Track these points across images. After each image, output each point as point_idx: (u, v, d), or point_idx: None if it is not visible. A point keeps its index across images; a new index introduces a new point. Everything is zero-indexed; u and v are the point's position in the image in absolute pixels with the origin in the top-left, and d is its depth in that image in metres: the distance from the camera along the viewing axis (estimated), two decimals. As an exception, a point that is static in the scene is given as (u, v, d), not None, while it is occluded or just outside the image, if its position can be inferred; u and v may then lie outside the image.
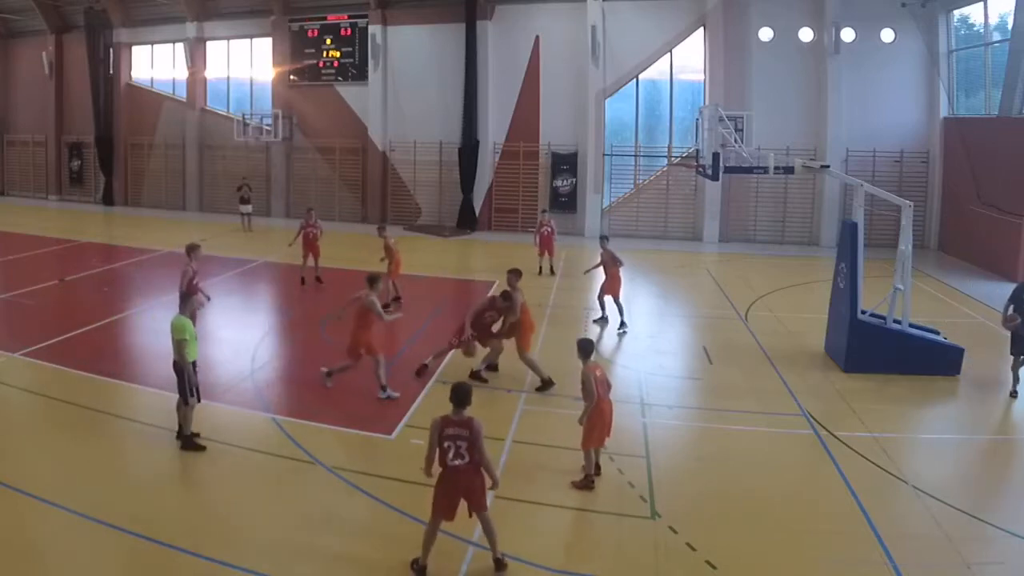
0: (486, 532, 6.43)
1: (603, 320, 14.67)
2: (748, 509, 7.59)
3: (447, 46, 26.52)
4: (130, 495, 7.57)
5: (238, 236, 24.75)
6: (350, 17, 27.78)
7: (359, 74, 27.91)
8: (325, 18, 28.21)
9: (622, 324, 14.15)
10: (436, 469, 6.39)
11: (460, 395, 6.38)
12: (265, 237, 24.63)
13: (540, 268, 19.11)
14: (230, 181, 28.99)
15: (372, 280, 10.63)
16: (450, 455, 6.24)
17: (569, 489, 7.85)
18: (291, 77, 28.86)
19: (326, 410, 9.91)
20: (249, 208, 25.94)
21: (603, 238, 15.40)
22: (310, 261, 17.50)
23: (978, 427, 10.18)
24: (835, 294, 12.56)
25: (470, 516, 6.44)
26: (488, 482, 6.39)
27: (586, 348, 8.20)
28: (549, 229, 19.03)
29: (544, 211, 21.02)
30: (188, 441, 8.57)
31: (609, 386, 8.09)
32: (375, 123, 27.78)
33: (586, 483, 7.91)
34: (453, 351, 11.47)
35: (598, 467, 8.20)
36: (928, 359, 11.61)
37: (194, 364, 8.59)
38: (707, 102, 22.82)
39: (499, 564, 6.39)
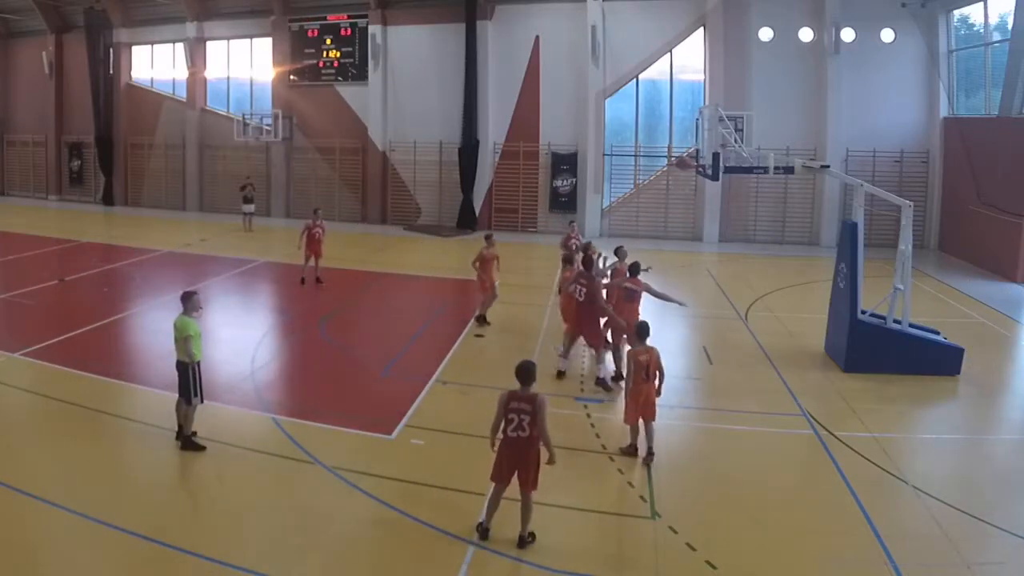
0: (523, 508, 6.70)
1: None
2: (748, 509, 7.59)
3: (447, 46, 26.52)
4: (130, 495, 7.57)
5: (239, 236, 24.75)
6: (350, 17, 27.79)
7: (359, 74, 27.90)
8: (325, 18, 28.22)
9: None
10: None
11: (524, 372, 6.76)
12: (265, 237, 24.63)
13: None
14: (230, 181, 29.01)
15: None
16: (511, 427, 6.62)
17: (617, 455, 8.68)
18: (291, 77, 28.85)
19: (326, 410, 9.91)
20: (252, 208, 25.93)
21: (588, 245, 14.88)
22: (311, 261, 17.49)
23: (978, 427, 10.18)
24: (835, 294, 12.55)
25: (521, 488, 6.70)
26: (545, 456, 6.66)
27: (639, 332, 8.82)
28: (577, 243, 16.78)
29: (572, 222, 18.58)
30: (188, 441, 8.57)
31: (658, 372, 8.56)
32: (375, 123, 27.77)
33: (628, 451, 8.74)
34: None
35: (634, 447, 8.77)
36: (928, 359, 11.59)
37: (198, 364, 8.60)
38: (707, 102, 22.81)
39: (523, 541, 6.68)
